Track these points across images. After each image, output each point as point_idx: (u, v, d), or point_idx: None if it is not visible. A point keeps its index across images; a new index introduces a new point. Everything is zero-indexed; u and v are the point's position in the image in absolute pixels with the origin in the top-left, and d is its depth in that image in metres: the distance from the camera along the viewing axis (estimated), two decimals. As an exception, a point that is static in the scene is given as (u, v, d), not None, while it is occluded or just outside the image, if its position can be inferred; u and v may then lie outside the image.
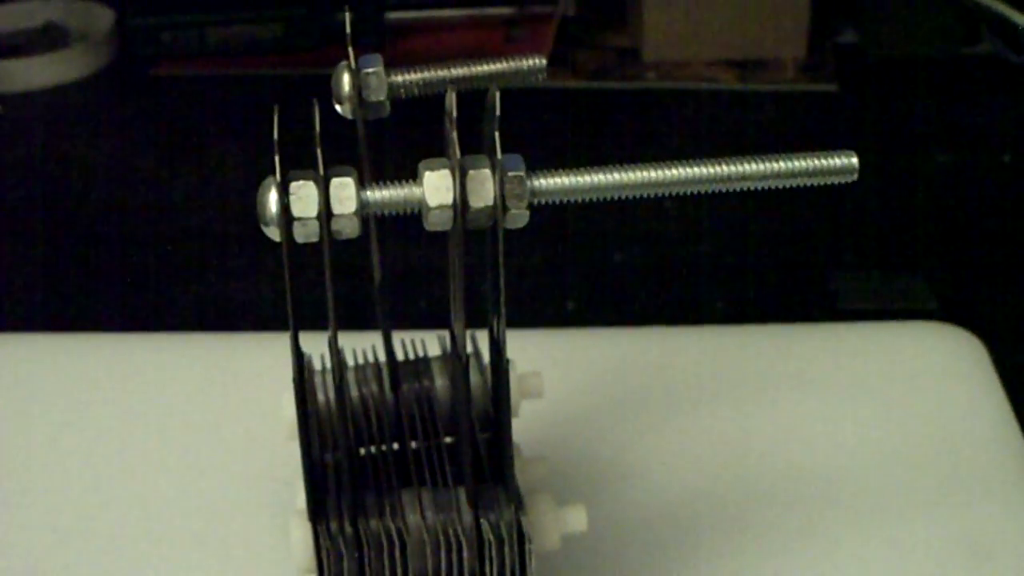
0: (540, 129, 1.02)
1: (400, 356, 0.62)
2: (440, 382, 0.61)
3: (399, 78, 0.57)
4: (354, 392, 0.60)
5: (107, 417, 0.74)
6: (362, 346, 0.62)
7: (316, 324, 0.53)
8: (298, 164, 0.49)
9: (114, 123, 1.11)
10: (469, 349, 0.58)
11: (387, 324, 0.61)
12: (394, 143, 0.62)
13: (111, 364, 0.78)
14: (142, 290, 0.95)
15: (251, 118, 0.52)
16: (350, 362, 0.61)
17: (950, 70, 1.11)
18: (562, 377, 0.71)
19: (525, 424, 0.61)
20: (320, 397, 0.59)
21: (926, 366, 0.77)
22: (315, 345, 0.56)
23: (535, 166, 0.49)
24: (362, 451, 0.59)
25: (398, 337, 0.62)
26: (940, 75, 1.11)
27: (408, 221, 0.51)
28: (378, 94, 0.56)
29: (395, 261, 0.87)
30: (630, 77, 1.10)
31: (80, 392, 0.75)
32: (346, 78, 0.56)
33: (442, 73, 0.57)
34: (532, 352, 0.62)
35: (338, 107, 0.56)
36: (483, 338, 0.58)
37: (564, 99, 1.10)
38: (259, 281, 0.93)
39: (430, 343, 0.62)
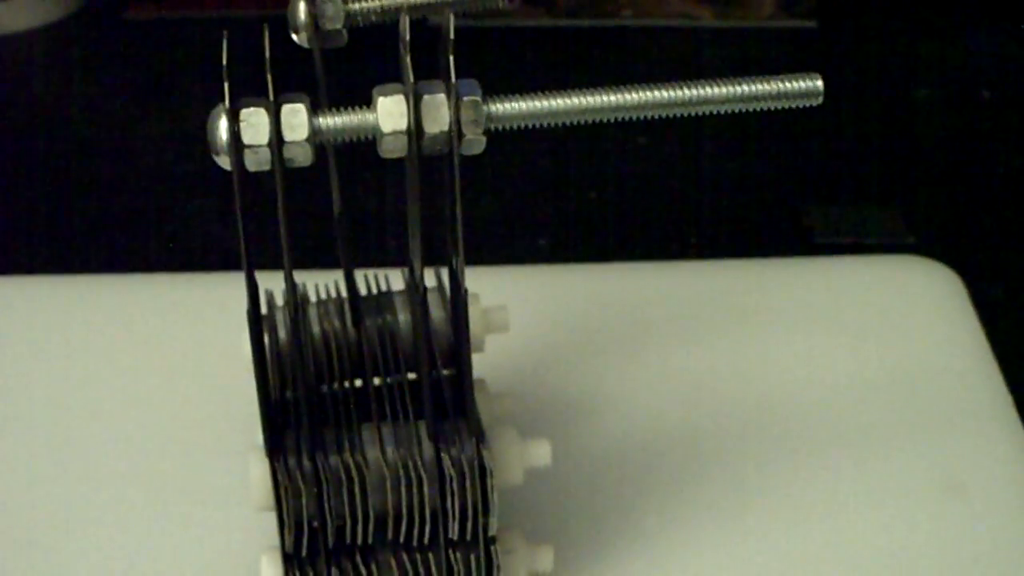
0: (515, 69, 1.01)
1: (363, 292, 0.61)
2: (403, 317, 0.60)
3: (355, 6, 0.55)
4: (315, 328, 0.59)
5: (71, 357, 0.73)
6: (325, 283, 0.61)
7: (280, 262, 0.52)
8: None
9: (86, 67, 1.10)
10: (433, 283, 0.57)
11: (348, 257, 0.60)
12: (353, 75, 0.61)
13: (78, 305, 0.77)
14: (114, 232, 0.94)
15: (219, 57, 0.51)
16: (312, 298, 0.60)
17: (928, 5, 1.10)
18: (531, 313, 0.70)
19: (491, 359, 0.60)
20: (281, 333, 0.59)
21: (902, 300, 0.77)
22: (279, 283, 0.55)
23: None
24: (324, 388, 0.58)
25: (361, 273, 0.61)
26: (918, 11, 1.10)
27: (372, 154, 0.50)
28: (334, 22, 0.55)
29: (363, 199, 0.86)
30: (606, 15, 1.09)
31: (43, 333, 0.75)
32: (302, 6, 0.55)
33: (399, 0, 0.56)
34: (501, 288, 0.62)
35: (294, 36, 0.55)
36: (446, 273, 0.57)
37: (540, 37, 1.09)
38: (231, 223, 0.92)
39: (394, 279, 0.61)
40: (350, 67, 0.60)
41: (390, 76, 0.50)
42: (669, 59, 1.09)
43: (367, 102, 0.48)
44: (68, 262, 0.91)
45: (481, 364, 0.55)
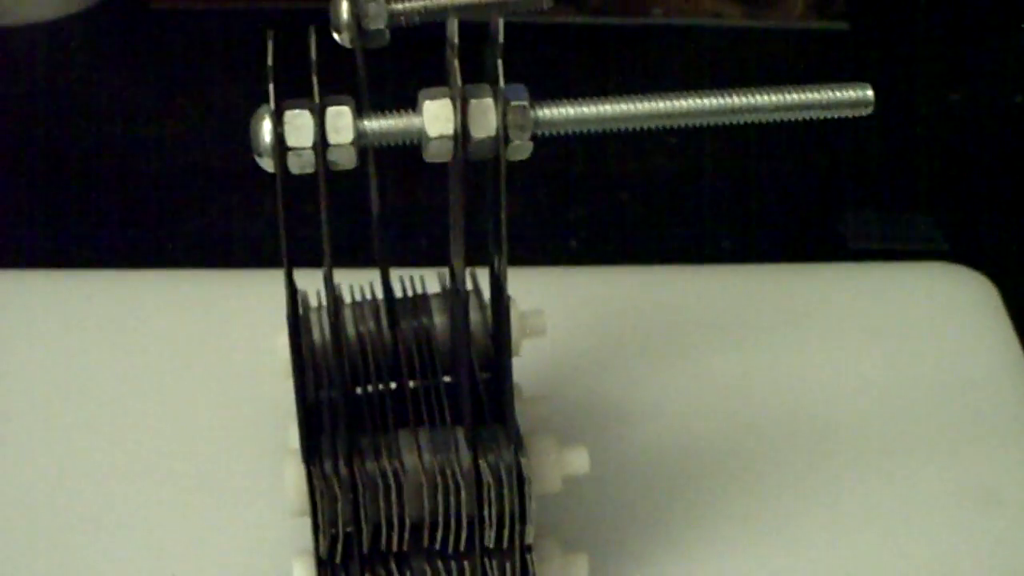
0: (544, 66, 1.00)
1: (399, 293, 0.60)
2: (439, 320, 0.59)
3: (399, 6, 0.55)
4: (350, 330, 0.59)
5: (102, 355, 0.73)
6: (360, 283, 0.60)
7: (314, 261, 0.52)
8: (296, 97, 0.47)
9: (112, 57, 1.09)
10: (469, 286, 0.57)
11: (385, 259, 0.59)
12: (394, 74, 0.60)
13: (107, 301, 0.76)
14: (139, 226, 0.93)
15: (252, 52, 0.51)
16: (347, 299, 0.60)
17: (962, 8, 1.10)
18: (565, 316, 0.70)
19: (527, 364, 0.60)
20: (316, 335, 0.58)
21: (936, 307, 0.76)
22: (312, 282, 0.55)
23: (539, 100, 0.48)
24: (358, 390, 0.58)
25: (397, 274, 0.60)
26: (952, 14, 1.09)
27: (409, 156, 0.49)
28: (377, 22, 0.55)
29: (396, 198, 0.85)
30: (635, 13, 1.08)
31: (75, 329, 0.74)
32: (344, 5, 0.54)
33: (443, 1, 0.55)
34: (534, 290, 0.61)
35: (336, 36, 0.55)
36: (484, 276, 0.56)
37: (569, 35, 1.08)
38: (259, 218, 0.91)
39: (430, 280, 0.61)
40: (389, 66, 0.59)
41: (428, 77, 0.49)
42: (698, 58, 1.08)
43: (408, 104, 0.48)
44: (93, 256, 0.90)
45: (515, 367, 0.54)
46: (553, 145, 0.50)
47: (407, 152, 0.49)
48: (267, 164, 0.47)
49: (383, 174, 0.59)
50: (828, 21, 1.10)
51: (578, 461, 0.56)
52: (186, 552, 0.63)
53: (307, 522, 0.53)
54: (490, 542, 0.54)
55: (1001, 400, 0.71)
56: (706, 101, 0.48)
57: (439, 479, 0.53)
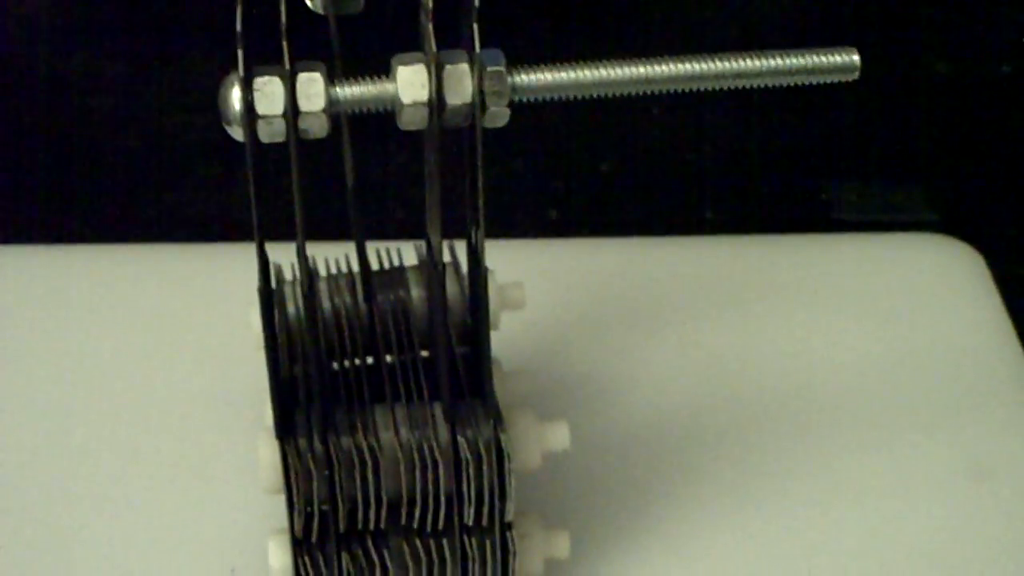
0: (525, 34, 0.99)
1: (375, 266, 0.59)
2: (416, 293, 0.58)
3: (372, -30, 0.54)
4: (326, 303, 0.58)
5: (73, 330, 0.72)
6: (335, 256, 0.59)
7: (289, 234, 0.51)
8: (268, 64, 0.46)
9: (83, 29, 1.08)
10: (447, 258, 0.56)
11: (361, 231, 0.58)
12: (369, 42, 0.59)
13: (78, 276, 0.75)
14: (112, 201, 0.92)
15: (226, 23, 0.49)
16: (322, 272, 0.59)
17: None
18: (545, 289, 0.69)
19: (506, 337, 0.59)
20: (290, 308, 0.57)
21: (924, 278, 0.76)
22: (287, 255, 0.54)
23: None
24: (334, 365, 0.57)
25: (373, 247, 0.59)
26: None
27: (384, 124, 0.48)
28: (351, -13, 0.53)
29: (371, 168, 0.84)
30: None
31: (47, 304, 0.73)
32: (317, -31, 0.53)
33: (418, -36, 0.54)
34: (513, 262, 0.60)
35: (308, 2, 0.54)
36: (461, 248, 0.55)
37: (549, 2, 1.07)
38: (235, 191, 0.90)
39: (407, 253, 0.60)
40: (366, 35, 0.58)
41: (405, 45, 0.48)
42: (684, 22, 1.07)
43: (384, 71, 0.47)
44: (67, 232, 0.89)
45: (494, 341, 0.53)
46: (528, 112, 0.49)
47: (382, 120, 0.48)
48: (237, 132, 0.46)
49: (358, 143, 0.57)
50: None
51: (558, 436, 0.55)
52: (162, 530, 0.62)
53: (283, 500, 0.52)
54: (469, 519, 0.53)
55: (990, 372, 0.70)
56: (688, 66, 0.47)
57: (416, 455, 0.52)
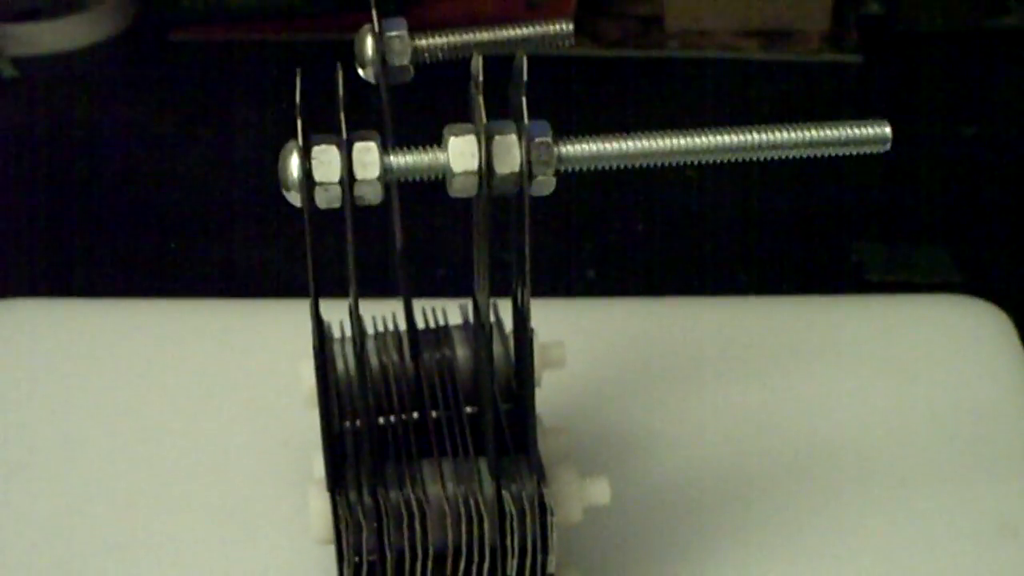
0: (560, 99, 1.01)
1: (420, 325, 0.61)
2: (461, 351, 0.60)
3: (423, 42, 0.56)
4: (374, 360, 0.59)
5: (125, 384, 0.73)
6: (382, 314, 0.61)
7: (335, 291, 0.52)
8: (319, 131, 0.48)
9: (131, 88, 1.10)
10: (491, 318, 0.57)
11: (408, 292, 0.60)
12: (417, 110, 0.61)
13: (130, 330, 0.77)
14: (160, 258, 0.94)
15: (270, 84, 0.51)
16: (369, 330, 0.61)
17: (975, 42, 1.10)
18: (584, 347, 0.70)
19: (546, 395, 0.60)
20: (339, 365, 0.59)
21: (951, 339, 0.76)
22: (334, 313, 0.56)
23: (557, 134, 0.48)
24: (381, 421, 0.58)
25: (419, 305, 0.61)
26: (965, 47, 1.10)
27: (427, 187, 0.50)
28: (402, 58, 0.55)
29: (413, 228, 0.86)
30: (652, 46, 1.09)
31: (98, 359, 0.75)
32: (369, 41, 0.55)
33: (467, 37, 0.56)
34: (553, 321, 0.61)
35: (361, 71, 0.55)
36: (503, 306, 0.57)
37: (585, 68, 1.09)
38: (278, 248, 0.92)
39: (451, 311, 0.61)
40: (412, 102, 0.60)
41: (449, 113, 0.50)
42: (715, 92, 1.09)
43: (430, 140, 0.49)
44: (116, 287, 0.91)
45: (536, 399, 0.55)
46: (567, 174, 0.50)
47: (427, 183, 0.49)
48: (295, 198, 0.48)
49: (404, 203, 0.59)
50: (842, 54, 1.11)
51: (599, 491, 0.56)
52: (211, 580, 0.63)
53: (331, 551, 0.54)
54: (512, 572, 0.54)
55: (1017, 431, 0.71)
56: (727, 138, 0.48)
57: (462, 509, 0.53)
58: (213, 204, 0.99)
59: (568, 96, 1.04)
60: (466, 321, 0.61)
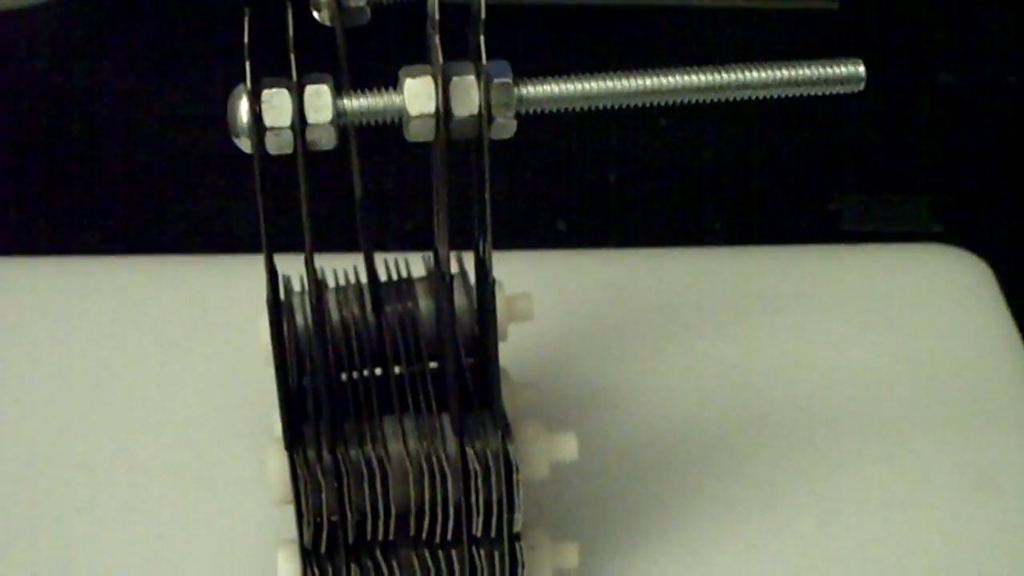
0: (532, 48, 0.99)
1: (383, 277, 0.59)
2: (424, 304, 0.58)
3: (379, -19, 0.54)
4: (334, 315, 0.58)
5: (86, 341, 0.72)
6: (343, 267, 0.59)
7: (297, 246, 0.51)
8: (276, 76, 0.46)
9: (92, 42, 1.08)
10: (454, 269, 0.56)
11: (369, 243, 0.58)
12: (375, 54, 0.59)
13: (86, 288, 0.75)
14: (122, 213, 0.93)
15: (234, 36, 0.49)
16: (331, 284, 0.59)
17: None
18: (553, 300, 0.69)
19: (514, 348, 0.59)
20: (299, 320, 0.57)
21: (931, 289, 0.75)
22: (294, 267, 0.54)
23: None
24: (342, 377, 0.57)
25: (380, 258, 0.59)
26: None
27: (392, 136, 0.48)
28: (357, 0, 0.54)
29: (379, 181, 0.84)
30: (624, -6, 1.08)
31: (50, 316, 0.73)
32: (324, -18, 0.53)
33: (424, -23, 0.54)
34: (521, 274, 0.60)
35: (315, 14, 0.54)
36: (469, 259, 0.55)
37: (557, 17, 1.07)
38: (243, 202, 0.90)
39: (414, 264, 0.60)
40: (371, 46, 0.58)
41: (411, 57, 0.48)
42: (689, 40, 1.07)
43: (390, 83, 0.47)
44: (76, 243, 0.89)
45: (502, 352, 0.53)
46: (536, 123, 0.49)
47: (390, 132, 0.48)
48: (245, 144, 0.46)
49: (365, 155, 0.57)
50: (819, 1, 1.09)
51: (566, 447, 0.55)
52: (169, 541, 0.62)
53: (291, 511, 0.52)
54: (478, 530, 0.53)
55: (997, 382, 0.70)
56: (694, 77, 0.47)
57: (425, 466, 0.52)
58: (177, 158, 0.97)
59: (539, 46, 1.02)
60: (430, 273, 0.59)
